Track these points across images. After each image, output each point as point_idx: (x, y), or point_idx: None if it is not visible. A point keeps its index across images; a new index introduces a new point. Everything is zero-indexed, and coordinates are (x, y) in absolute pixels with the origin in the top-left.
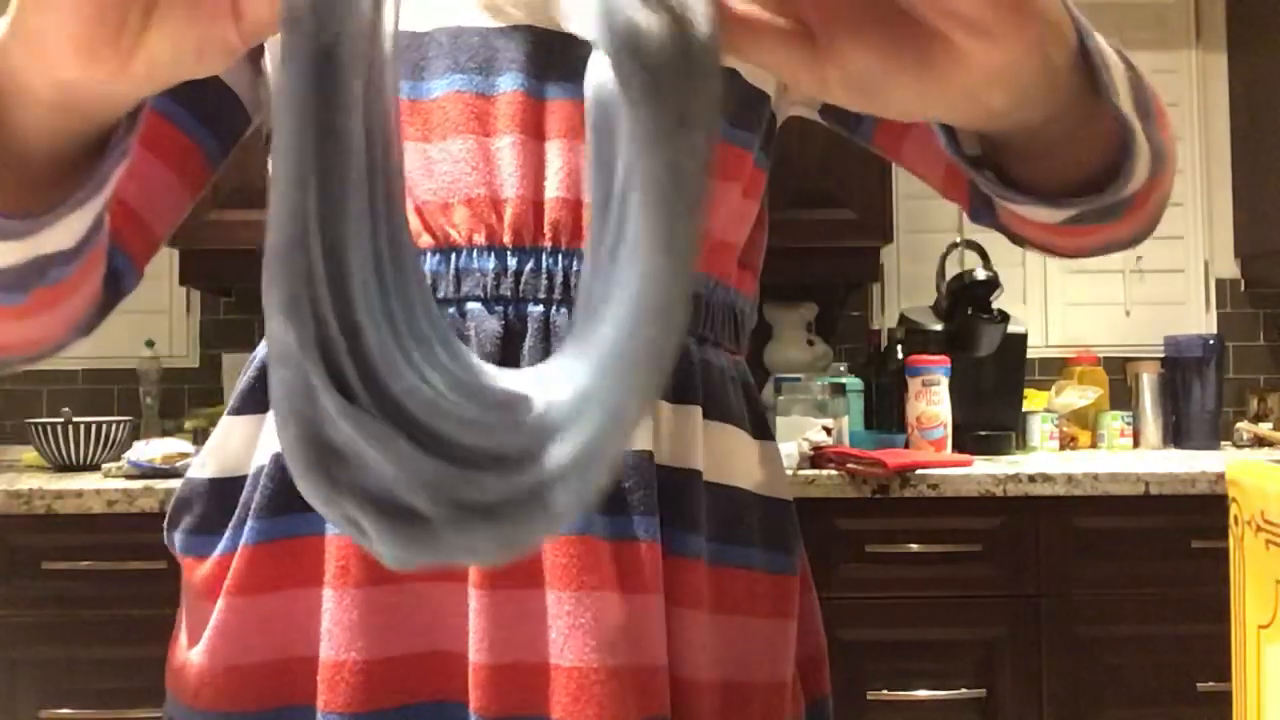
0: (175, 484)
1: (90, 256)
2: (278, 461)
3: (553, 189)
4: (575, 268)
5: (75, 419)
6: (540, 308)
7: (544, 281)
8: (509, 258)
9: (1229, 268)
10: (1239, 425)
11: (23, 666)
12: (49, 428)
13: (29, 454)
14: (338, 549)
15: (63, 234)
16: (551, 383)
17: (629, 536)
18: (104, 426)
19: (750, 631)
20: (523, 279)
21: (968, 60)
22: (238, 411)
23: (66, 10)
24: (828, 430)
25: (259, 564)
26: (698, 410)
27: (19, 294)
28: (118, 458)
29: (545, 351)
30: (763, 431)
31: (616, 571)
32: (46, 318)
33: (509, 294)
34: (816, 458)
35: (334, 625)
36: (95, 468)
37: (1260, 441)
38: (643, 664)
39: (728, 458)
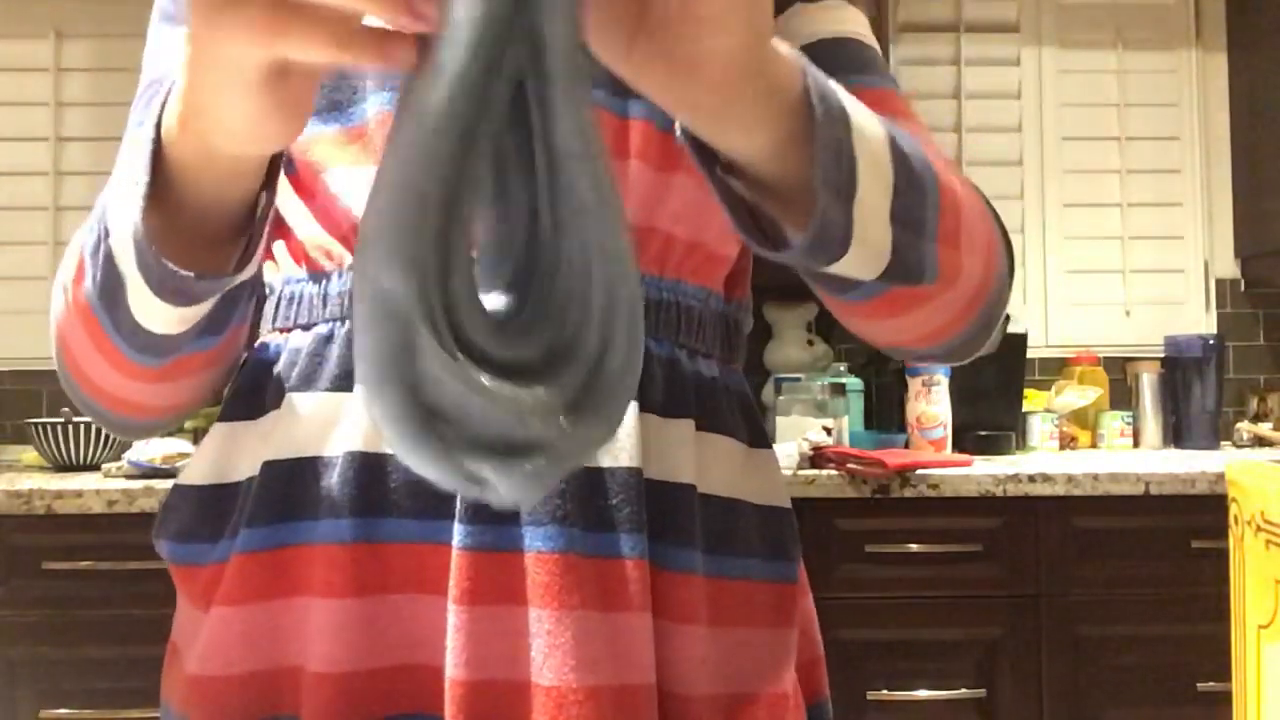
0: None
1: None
2: (270, 469)
3: None
4: None
5: (75, 419)
6: None
7: None
8: None
9: (1229, 268)
10: (1239, 425)
11: (23, 666)
12: (49, 428)
13: (29, 454)
14: (323, 559)
15: (249, 267)
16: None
17: (614, 554)
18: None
19: (751, 643)
20: None
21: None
22: (226, 418)
23: (245, 106)
24: (828, 430)
25: (249, 573)
26: (690, 423)
27: (216, 335)
28: (118, 458)
29: None
30: (759, 439)
31: (600, 590)
32: (231, 356)
33: None
34: (816, 458)
35: (316, 636)
36: (95, 468)
37: (1260, 441)
38: (627, 683)
39: (722, 469)
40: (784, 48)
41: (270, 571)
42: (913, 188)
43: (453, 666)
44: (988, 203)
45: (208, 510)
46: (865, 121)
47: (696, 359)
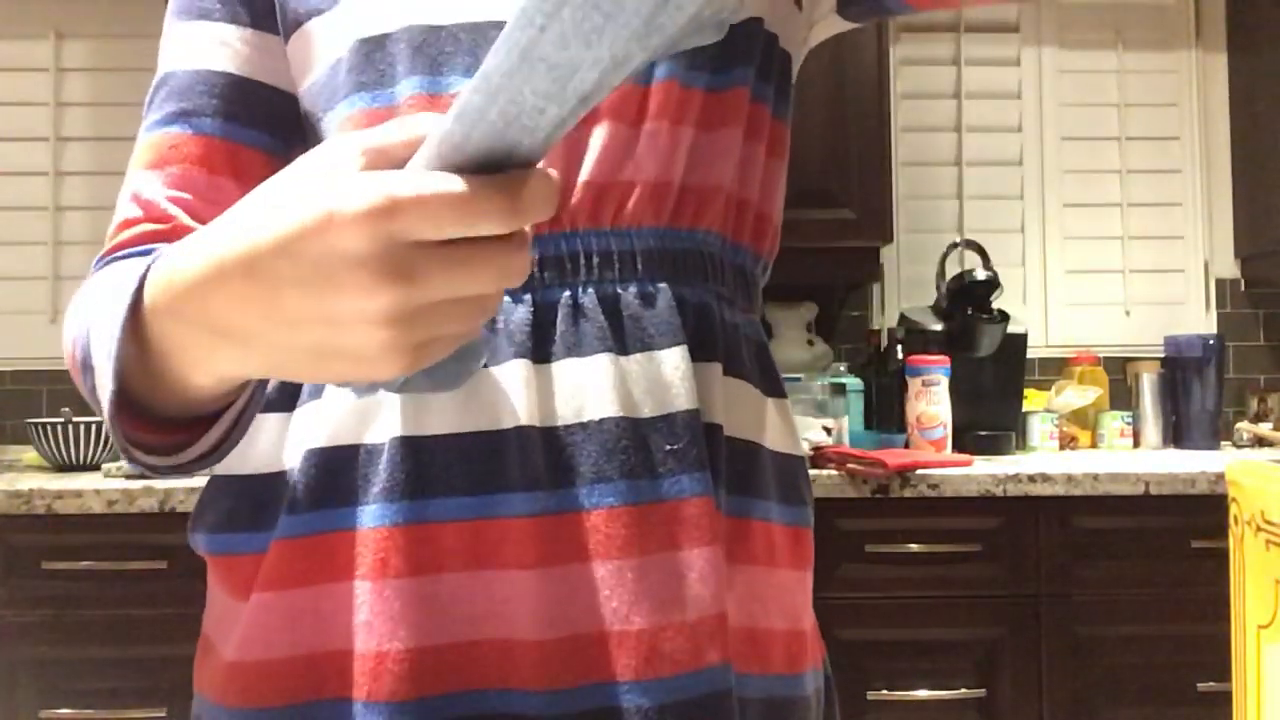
0: (175, 484)
1: None
2: (312, 457)
3: (571, 172)
4: (596, 246)
5: (75, 419)
6: (566, 291)
7: (567, 265)
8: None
9: (1229, 268)
10: (1239, 425)
11: (23, 666)
12: (49, 428)
13: (29, 454)
14: (375, 542)
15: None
16: None
17: (684, 495)
18: (104, 426)
19: (769, 581)
20: (545, 264)
21: None
22: (265, 409)
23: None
24: (828, 430)
25: (290, 559)
26: (718, 366)
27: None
28: (118, 458)
29: (576, 334)
30: (775, 389)
31: (674, 532)
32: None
33: (534, 281)
34: (816, 458)
35: (374, 617)
36: (95, 468)
37: (1260, 441)
38: (708, 614)
39: (744, 413)
40: None
41: (312, 557)
42: None
43: (532, 631)
44: None
45: (246, 500)
46: None
47: (723, 305)
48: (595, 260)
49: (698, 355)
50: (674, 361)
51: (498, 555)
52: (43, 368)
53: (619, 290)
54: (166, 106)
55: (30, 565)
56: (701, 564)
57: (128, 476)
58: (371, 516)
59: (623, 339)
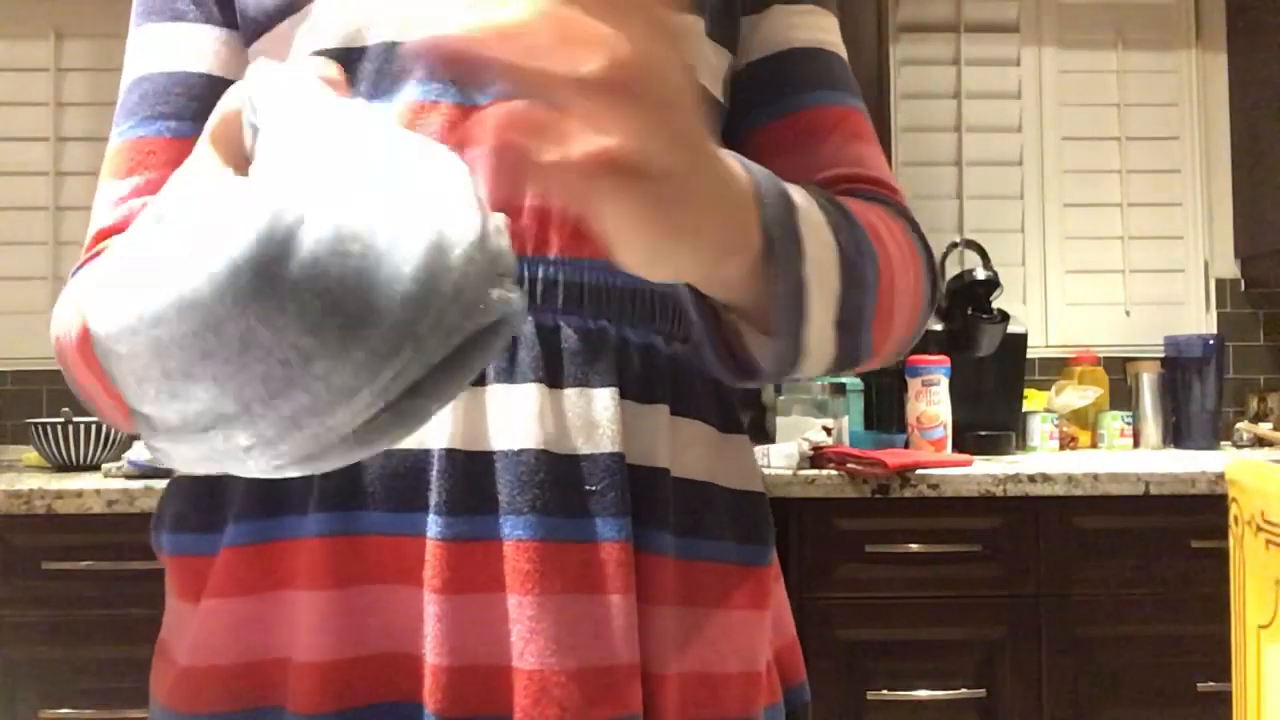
0: None
1: None
2: None
3: (519, 195)
4: (541, 274)
5: (75, 419)
6: (530, 316)
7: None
8: None
9: (1229, 268)
10: (1239, 425)
11: (23, 666)
12: (49, 428)
13: (29, 454)
14: (309, 552)
15: None
16: None
17: (597, 539)
18: (104, 426)
19: (722, 623)
20: None
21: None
22: None
23: None
24: (828, 430)
25: (237, 567)
26: (665, 408)
27: None
28: (118, 458)
29: (511, 361)
30: (732, 425)
31: (581, 575)
32: None
33: None
34: (816, 458)
35: (305, 627)
36: (95, 468)
37: (1260, 441)
38: (610, 664)
39: (695, 453)
40: (735, 168)
41: (257, 565)
42: (855, 285)
43: (433, 654)
44: (915, 230)
45: (202, 502)
46: (813, 228)
47: (673, 344)
48: (539, 288)
49: (642, 397)
50: (604, 401)
51: (414, 573)
52: (43, 368)
53: (560, 322)
54: (142, 110)
55: (30, 565)
56: (610, 611)
57: (128, 476)
58: (308, 527)
59: (558, 372)
